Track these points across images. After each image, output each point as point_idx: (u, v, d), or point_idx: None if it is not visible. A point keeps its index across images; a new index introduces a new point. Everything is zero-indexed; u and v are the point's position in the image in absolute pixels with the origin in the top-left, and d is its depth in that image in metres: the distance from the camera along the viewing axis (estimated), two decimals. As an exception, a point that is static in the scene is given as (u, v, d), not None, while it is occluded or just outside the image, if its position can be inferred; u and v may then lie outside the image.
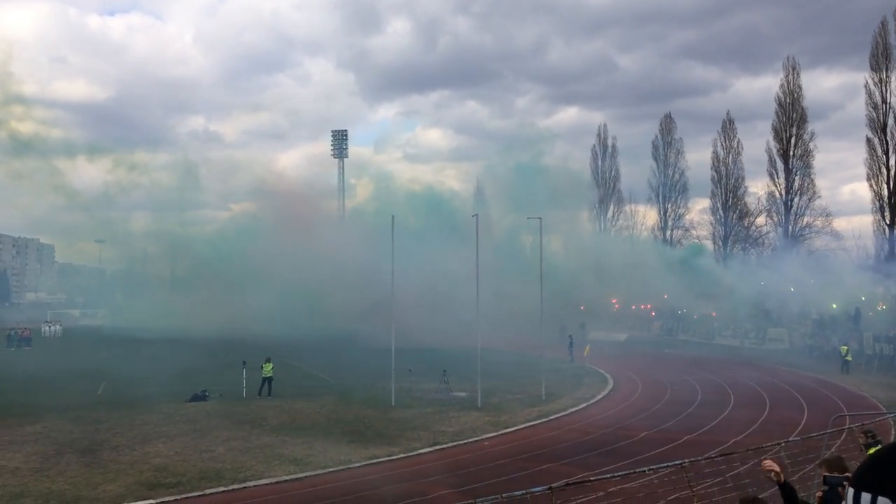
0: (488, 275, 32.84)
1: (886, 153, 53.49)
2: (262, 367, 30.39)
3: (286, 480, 17.74)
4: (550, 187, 56.87)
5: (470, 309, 30.23)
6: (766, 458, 6.42)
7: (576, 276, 49.44)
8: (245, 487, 17.10)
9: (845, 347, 37.21)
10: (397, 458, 20.04)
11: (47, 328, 69.17)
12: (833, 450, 14.45)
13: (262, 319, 55.51)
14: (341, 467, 18.95)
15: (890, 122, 53.28)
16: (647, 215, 73.58)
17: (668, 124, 72.39)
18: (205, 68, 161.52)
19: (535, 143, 63.19)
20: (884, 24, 53.67)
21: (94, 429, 23.37)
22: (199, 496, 16.43)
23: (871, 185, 54.45)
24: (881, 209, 54.15)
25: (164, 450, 20.52)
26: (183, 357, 40.89)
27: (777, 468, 6.05)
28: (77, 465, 18.81)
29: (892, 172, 53.38)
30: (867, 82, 54.30)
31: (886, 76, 53.45)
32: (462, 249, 39.69)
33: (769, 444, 14.76)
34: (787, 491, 6.10)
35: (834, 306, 45.49)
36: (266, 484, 17.41)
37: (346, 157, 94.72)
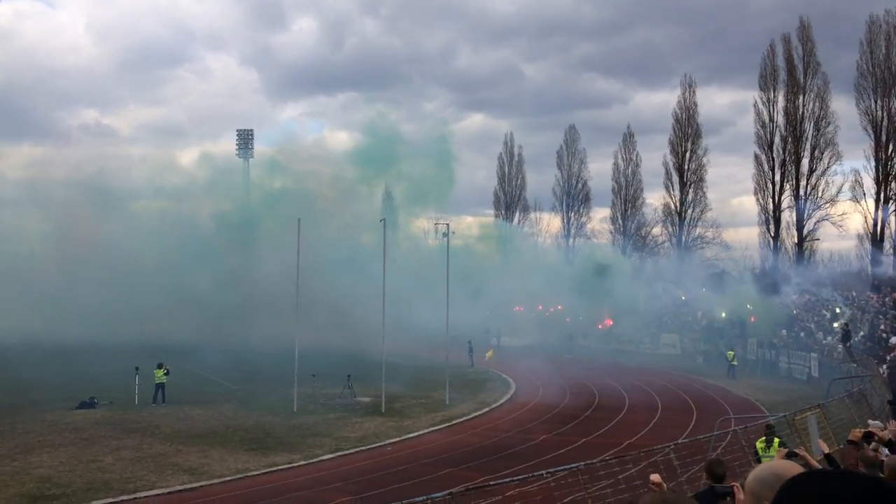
0: (394, 278, 32.71)
1: (773, 169, 56.79)
2: (154, 373, 29.16)
3: (179, 490, 17.16)
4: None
5: (375, 313, 30.03)
6: (654, 473, 6.68)
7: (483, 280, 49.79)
8: (135, 499, 16.42)
9: (731, 353, 39.19)
10: (298, 466, 19.75)
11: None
12: (718, 451, 15.23)
13: (148, 321, 53.09)
14: (239, 476, 18.49)
15: (776, 139, 56.63)
16: (552, 223, 75.38)
17: (572, 134, 74.40)
18: (98, 58, 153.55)
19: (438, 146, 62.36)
20: (772, 48, 57.06)
21: (-30, 439, 21.88)
22: (84, 509, 15.68)
23: (757, 199, 57.79)
24: (766, 222, 57.49)
25: (49, 460, 19.44)
26: (70, 362, 38.74)
27: (660, 483, 6.36)
28: (-51, 479, 17.56)
29: (778, 187, 56.80)
30: (756, 101, 57.58)
31: (774, 96, 56.82)
32: (368, 252, 39.44)
33: (659, 446, 15.42)
34: None
35: (724, 315, 47.80)
36: (158, 495, 16.78)
37: (252, 157, 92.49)
